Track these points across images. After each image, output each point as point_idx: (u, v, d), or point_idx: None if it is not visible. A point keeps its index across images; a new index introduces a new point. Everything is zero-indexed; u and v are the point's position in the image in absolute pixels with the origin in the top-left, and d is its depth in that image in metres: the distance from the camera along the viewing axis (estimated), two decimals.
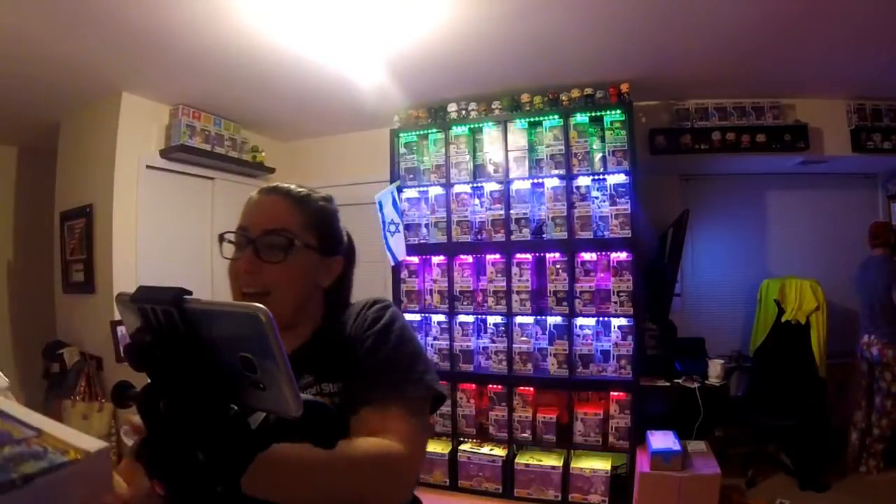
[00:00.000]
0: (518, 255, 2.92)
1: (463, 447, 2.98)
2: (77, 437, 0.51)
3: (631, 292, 2.72)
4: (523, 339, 2.91)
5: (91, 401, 2.78)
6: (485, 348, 2.99)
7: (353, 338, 0.82)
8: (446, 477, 2.96)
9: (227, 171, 3.48)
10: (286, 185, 0.86)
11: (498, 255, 2.95)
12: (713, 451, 2.65)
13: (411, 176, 3.19)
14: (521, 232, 2.91)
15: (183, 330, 0.46)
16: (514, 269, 2.92)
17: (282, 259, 0.79)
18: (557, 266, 2.86)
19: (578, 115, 2.87)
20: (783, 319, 3.25)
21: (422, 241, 3.12)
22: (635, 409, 2.72)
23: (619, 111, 2.80)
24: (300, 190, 0.87)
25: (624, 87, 2.81)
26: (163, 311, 0.47)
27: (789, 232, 3.72)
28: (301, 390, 0.70)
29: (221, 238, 0.83)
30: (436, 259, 3.09)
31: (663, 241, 3.35)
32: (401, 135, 3.21)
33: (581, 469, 2.74)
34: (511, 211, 2.93)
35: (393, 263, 3.03)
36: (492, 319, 2.96)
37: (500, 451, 2.91)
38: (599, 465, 2.74)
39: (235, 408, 0.48)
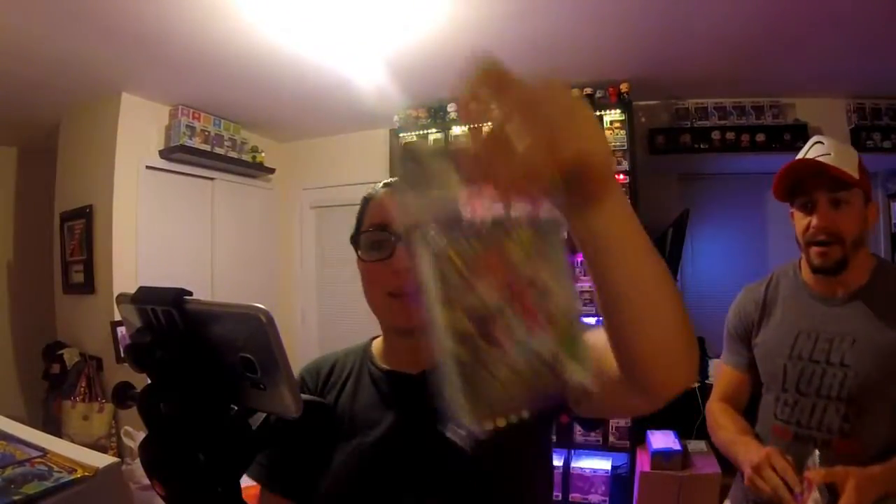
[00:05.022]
0: None
1: None
2: (85, 454, 0.51)
3: None
4: None
5: (91, 401, 2.78)
6: None
7: None
8: None
9: (226, 171, 3.48)
10: None
11: None
12: (713, 450, 2.65)
13: None
14: None
15: (183, 330, 0.46)
16: None
17: None
18: None
19: None
20: None
21: None
22: None
23: (618, 111, 2.80)
24: None
25: (623, 87, 2.81)
26: (163, 311, 0.47)
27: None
28: None
29: None
30: None
31: (663, 241, 3.34)
32: (401, 135, 3.21)
33: (581, 468, 2.74)
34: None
35: None
36: None
37: None
38: (599, 464, 2.74)
39: (236, 408, 0.48)
